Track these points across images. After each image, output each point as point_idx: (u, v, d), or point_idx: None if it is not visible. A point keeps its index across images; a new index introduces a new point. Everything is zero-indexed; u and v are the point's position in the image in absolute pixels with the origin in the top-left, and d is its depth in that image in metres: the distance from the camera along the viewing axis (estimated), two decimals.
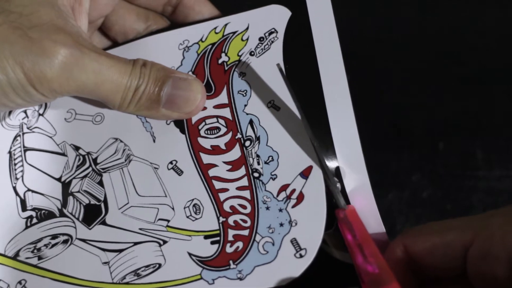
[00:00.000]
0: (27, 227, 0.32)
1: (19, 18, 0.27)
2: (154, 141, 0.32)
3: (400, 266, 0.28)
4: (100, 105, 0.33)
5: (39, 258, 0.32)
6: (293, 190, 0.30)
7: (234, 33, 0.33)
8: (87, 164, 0.33)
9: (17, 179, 0.33)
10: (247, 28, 0.32)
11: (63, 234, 0.32)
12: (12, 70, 0.27)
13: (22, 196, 0.33)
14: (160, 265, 0.30)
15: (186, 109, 0.31)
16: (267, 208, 0.30)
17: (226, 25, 0.33)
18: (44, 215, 0.32)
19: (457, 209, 0.38)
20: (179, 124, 0.32)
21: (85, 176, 0.33)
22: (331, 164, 0.30)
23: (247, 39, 0.32)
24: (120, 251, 0.31)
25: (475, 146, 0.39)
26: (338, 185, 0.30)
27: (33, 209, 0.32)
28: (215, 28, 0.33)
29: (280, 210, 0.29)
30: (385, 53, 0.41)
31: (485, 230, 0.26)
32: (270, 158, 0.30)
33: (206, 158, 0.31)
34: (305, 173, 0.30)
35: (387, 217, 0.31)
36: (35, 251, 0.32)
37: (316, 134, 0.29)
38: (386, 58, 0.41)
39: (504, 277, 0.25)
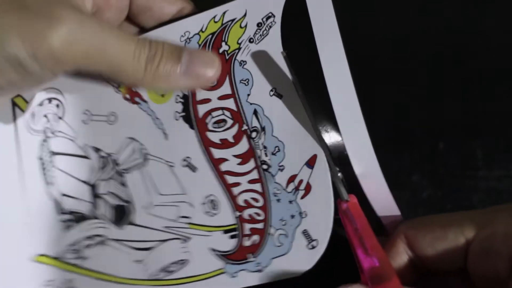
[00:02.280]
0: (64, 229, 0.33)
1: None
2: (166, 138, 0.32)
3: (401, 257, 0.28)
4: (112, 103, 0.33)
5: (80, 258, 0.33)
6: (301, 181, 0.29)
7: (232, 20, 0.32)
8: (110, 166, 0.33)
9: (49, 183, 0.34)
10: (245, 15, 0.32)
11: (97, 236, 0.33)
12: (11, 41, 0.26)
13: (56, 200, 0.34)
14: (186, 261, 0.31)
15: (208, 72, 0.30)
16: (278, 200, 0.30)
17: (224, 13, 0.32)
18: (78, 218, 0.33)
19: (457, 209, 0.37)
20: (187, 119, 0.32)
21: (110, 178, 0.33)
22: (336, 150, 0.29)
23: (246, 26, 0.32)
24: (149, 249, 0.32)
25: (475, 146, 0.38)
26: (340, 174, 0.29)
27: (68, 213, 0.34)
28: (214, 17, 0.32)
29: (290, 202, 0.29)
30: (384, 52, 0.41)
31: (488, 226, 0.26)
32: (277, 149, 0.30)
33: (216, 153, 0.31)
34: (311, 163, 0.29)
35: None
36: (75, 252, 0.33)
37: (320, 120, 0.29)
38: (386, 57, 0.41)
39: (505, 274, 0.25)
